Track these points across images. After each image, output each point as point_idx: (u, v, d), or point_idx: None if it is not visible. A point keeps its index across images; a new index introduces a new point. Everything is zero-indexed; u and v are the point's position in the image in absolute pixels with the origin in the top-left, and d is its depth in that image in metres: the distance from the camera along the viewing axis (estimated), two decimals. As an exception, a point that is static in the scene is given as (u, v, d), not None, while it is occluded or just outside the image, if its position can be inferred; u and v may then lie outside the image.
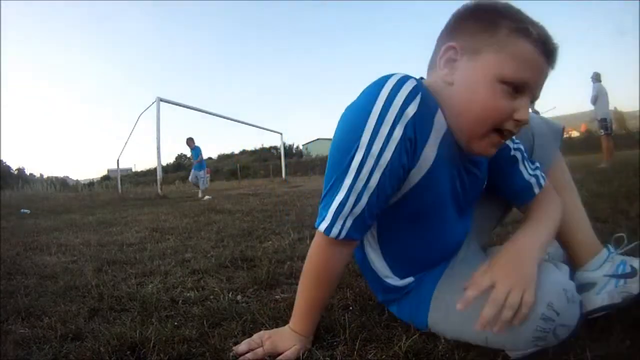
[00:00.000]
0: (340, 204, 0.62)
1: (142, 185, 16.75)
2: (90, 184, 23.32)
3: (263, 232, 2.14)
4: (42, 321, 0.91)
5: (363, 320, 0.81)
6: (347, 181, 0.61)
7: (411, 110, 0.58)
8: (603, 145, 6.62)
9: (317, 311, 0.74)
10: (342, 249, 0.68)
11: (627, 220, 1.63)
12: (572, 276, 0.77)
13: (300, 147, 42.14)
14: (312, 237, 0.72)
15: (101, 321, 0.91)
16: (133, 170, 40.76)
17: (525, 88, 0.60)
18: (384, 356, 0.67)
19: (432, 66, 0.68)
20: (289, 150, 35.62)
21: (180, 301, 1.03)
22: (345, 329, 0.75)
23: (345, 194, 0.62)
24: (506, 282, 0.59)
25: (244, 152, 45.67)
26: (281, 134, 16.00)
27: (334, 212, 0.63)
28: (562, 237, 0.82)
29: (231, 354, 0.70)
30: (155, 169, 10.67)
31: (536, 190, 0.76)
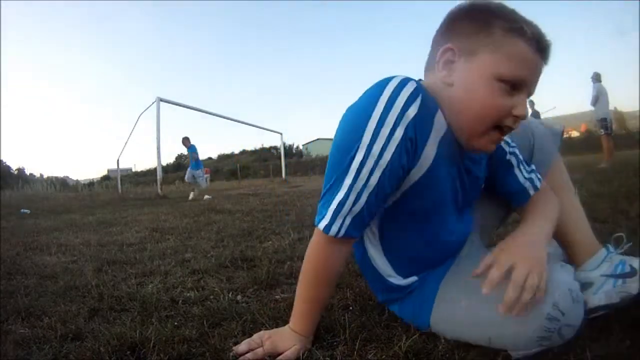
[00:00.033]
0: (340, 202, 0.63)
1: (142, 185, 16.74)
2: (90, 184, 23.32)
3: (263, 232, 2.14)
4: (42, 321, 0.91)
5: (363, 320, 0.81)
6: (347, 180, 0.62)
7: (412, 111, 0.60)
8: (603, 145, 6.63)
9: (316, 311, 0.74)
10: (340, 247, 0.69)
11: (627, 220, 1.63)
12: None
13: (300, 147, 42.14)
14: (312, 236, 0.72)
15: (101, 321, 0.91)
16: (133, 170, 40.75)
17: (522, 85, 0.62)
18: (384, 356, 0.67)
19: (429, 68, 0.69)
20: (289, 150, 35.61)
21: (180, 301, 1.03)
22: (345, 329, 0.75)
23: (345, 193, 0.63)
24: (525, 264, 0.61)
25: (244, 152, 45.66)
26: (281, 134, 16.01)
27: (334, 211, 0.64)
28: (560, 237, 0.82)
29: (231, 354, 0.70)
30: (155, 169, 10.68)
31: (531, 192, 0.79)
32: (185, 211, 3.80)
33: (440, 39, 0.67)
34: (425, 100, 0.61)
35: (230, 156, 45.50)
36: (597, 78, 6.46)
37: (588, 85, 6.57)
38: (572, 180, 0.88)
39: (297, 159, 32.39)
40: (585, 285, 0.76)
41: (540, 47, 0.61)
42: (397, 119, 0.59)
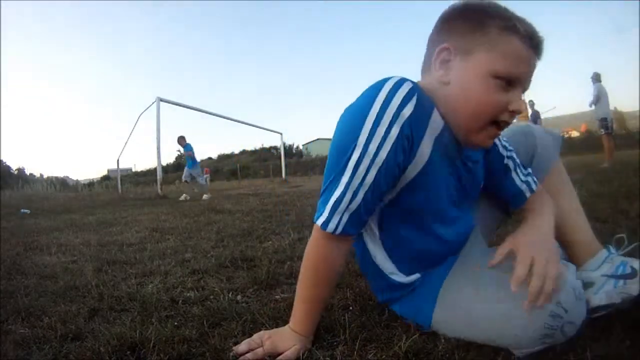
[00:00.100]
0: (337, 200, 0.65)
1: (142, 185, 16.75)
2: (90, 184, 23.33)
3: (263, 232, 2.14)
4: (42, 321, 0.91)
5: (363, 320, 0.81)
6: (345, 178, 0.64)
7: (407, 110, 0.61)
8: (604, 145, 6.63)
9: (316, 310, 0.74)
10: (339, 245, 0.70)
11: (627, 220, 1.63)
12: None
13: (300, 147, 42.14)
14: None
15: (101, 321, 0.91)
16: (133, 170, 40.76)
17: (517, 81, 0.64)
18: (384, 356, 0.67)
19: (426, 68, 0.71)
20: (289, 150, 35.61)
21: (180, 301, 1.03)
22: (345, 329, 0.75)
23: (342, 191, 0.64)
24: (542, 256, 0.62)
25: (244, 152, 45.65)
26: (281, 134, 16.00)
27: (331, 208, 0.66)
28: (561, 237, 0.82)
29: (231, 354, 0.70)
30: (155, 169, 10.68)
31: (527, 195, 0.81)
32: (185, 211, 3.80)
33: (435, 39, 0.68)
34: (421, 99, 0.63)
35: (230, 156, 45.51)
36: (597, 78, 6.46)
37: (588, 85, 6.58)
38: (573, 180, 0.89)
39: (297, 159, 32.40)
40: (586, 285, 0.76)
41: (533, 43, 0.63)
42: (392, 118, 0.61)
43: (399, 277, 0.78)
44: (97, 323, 0.90)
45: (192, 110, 10.19)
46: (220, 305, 0.95)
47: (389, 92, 0.62)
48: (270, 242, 1.83)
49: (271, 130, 15.65)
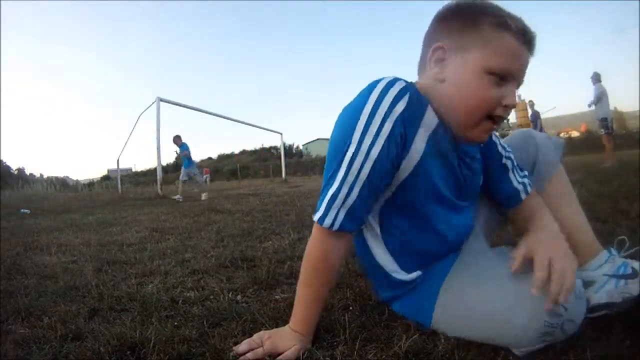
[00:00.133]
0: (332, 195, 0.67)
1: (142, 185, 16.74)
2: (90, 184, 23.31)
3: (263, 232, 2.14)
4: (42, 321, 0.91)
5: (363, 320, 0.81)
6: (340, 174, 0.66)
7: (399, 108, 0.64)
8: (606, 145, 6.62)
9: (316, 309, 0.75)
10: (337, 242, 0.71)
11: (627, 220, 1.63)
12: None
13: (300, 147, 42.11)
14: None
15: (101, 321, 0.91)
16: (133, 170, 40.71)
17: (510, 76, 0.65)
18: (384, 356, 0.67)
19: (422, 67, 0.72)
20: (289, 150, 35.58)
21: (180, 301, 1.03)
22: (345, 329, 0.75)
23: (338, 186, 0.67)
24: (559, 253, 0.63)
25: (244, 152, 45.60)
26: (281, 134, 15.99)
27: (327, 203, 0.68)
28: None
29: (231, 354, 0.70)
30: (155, 169, 10.68)
31: (523, 196, 0.82)
32: (185, 211, 3.80)
33: (430, 39, 0.70)
34: (414, 97, 0.65)
35: (230, 156, 45.45)
36: (597, 78, 6.45)
37: (588, 85, 6.57)
38: (573, 180, 0.89)
39: (297, 159, 32.40)
40: (586, 284, 0.76)
41: (525, 39, 0.64)
42: (385, 115, 0.63)
43: (401, 275, 0.78)
44: (97, 323, 0.90)
45: (192, 110, 10.19)
46: (220, 305, 0.95)
47: (381, 91, 0.64)
48: (270, 242, 1.83)
49: (271, 130, 15.65)
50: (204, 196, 6.27)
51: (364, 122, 0.64)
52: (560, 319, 0.59)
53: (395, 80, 0.65)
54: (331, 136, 0.70)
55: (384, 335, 0.75)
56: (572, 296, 0.60)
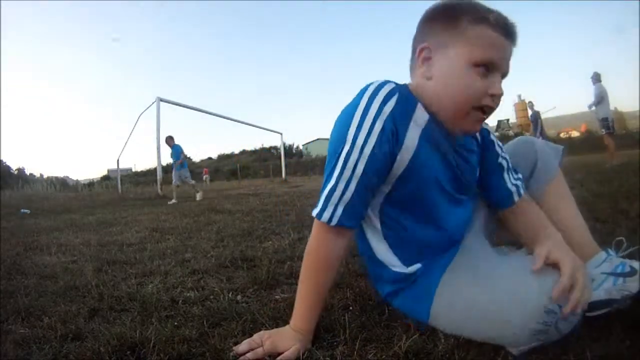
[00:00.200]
0: (330, 190, 0.70)
1: (142, 185, 16.75)
2: (90, 184, 23.34)
3: (263, 232, 2.14)
4: (42, 321, 0.91)
5: (363, 320, 0.81)
6: (337, 171, 0.70)
7: (389, 107, 0.68)
8: (608, 145, 6.61)
9: (316, 307, 0.75)
10: (337, 238, 0.73)
11: (627, 220, 1.63)
12: None
13: (300, 147, 42.10)
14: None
15: (101, 321, 0.91)
16: (133, 170, 40.70)
17: (494, 66, 0.68)
18: (384, 356, 0.67)
19: (412, 69, 0.76)
20: (289, 150, 35.58)
21: (180, 301, 1.03)
22: (345, 329, 0.75)
23: (335, 182, 0.70)
24: (583, 271, 0.64)
25: (244, 152, 45.61)
26: (281, 134, 16.01)
27: (325, 198, 0.71)
28: None
29: (231, 354, 0.70)
30: (155, 169, 10.68)
31: (516, 198, 0.84)
32: (185, 211, 3.80)
33: (417, 40, 0.74)
34: (403, 97, 0.70)
35: (230, 156, 45.47)
36: (597, 78, 6.44)
37: (588, 85, 6.56)
38: (573, 180, 0.89)
39: (297, 159, 32.40)
40: None
41: (505, 29, 0.67)
42: (375, 114, 0.68)
43: (401, 269, 0.79)
44: (97, 323, 0.90)
45: (192, 110, 10.20)
46: (220, 305, 0.95)
47: (371, 93, 0.69)
48: (270, 242, 1.83)
49: (271, 130, 15.66)
50: (198, 196, 6.18)
51: (357, 122, 0.68)
52: (554, 317, 0.60)
53: (384, 83, 0.70)
54: (330, 137, 0.73)
55: (384, 335, 0.75)
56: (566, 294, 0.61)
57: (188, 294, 1.09)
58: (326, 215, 0.71)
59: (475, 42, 0.67)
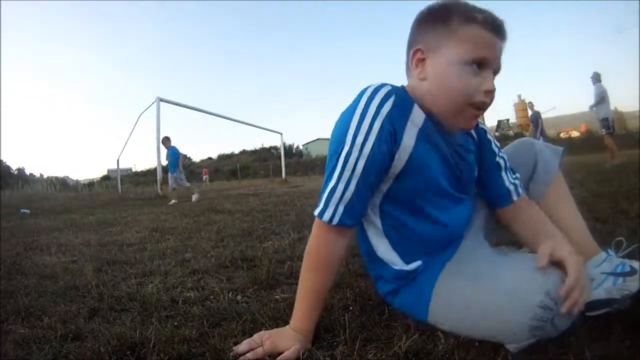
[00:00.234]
0: (331, 190, 0.72)
1: (142, 185, 16.75)
2: (90, 184, 23.34)
3: (263, 232, 2.14)
4: (42, 321, 0.91)
5: (363, 320, 0.81)
6: (337, 171, 0.71)
7: (386, 108, 0.70)
8: (608, 145, 6.60)
9: (317, 306, 0.76)
10: (337, 238, 0.74)
11: (627, 220, 1.63)
12: None
13: (300, 147, 42.08)
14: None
15: (101, 321, 0.91)
16: (133, 170, 40.68)
17: (485, 63, 0.70)
18: (384, 356, 0.67)
19: (407, 71, 0.78)
20: (289, 150, 35.56)
21: (180, 301, 1.03)
22: (345, 329, 0.75)
23: (335, 181, 0.71)
24: (585, 272, 0.65)
25: (244, 152, 45.56)
26: (281, 134, 16.01)
27: (326, 198, 0.72)
28: None
29: (231, 354, 0.70)
30: (155, 169, 10.68)
31: (514, 197, 0.85)
32: (185, 211, 3.80)
33: (411, 43, 0.76)
34: (400, 98, 0.72)
35: (230, 156, 45.43)
36: (597, 78, 6.43)
37: (588, 85, 6.55)
38: (573, 180, 0.90)
39: (297, 159, 32.40)
40: None
41: (493, 27, 0.69)
42: (373, 115, 0.69)
43: (401, 266, 0.80)
44: (97, 323, 0.90)
45: (192, 110, 10.20)
46: (220, 305, 0.95)
47: (369, 95, 0.71)
48: (270, 242, 1.83)
49: (271, 130, 15.66)
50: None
51: (356, 123, 0.70)
52: (550, 313, 0.60)
53: (381, 86, 0.73)
54: (330, 140, 0.75)
55: (384, 335, 0.75)
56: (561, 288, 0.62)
57: (188, 294, 1.09)
58: (327, 214, 0.72)
59: (466, 41, 0.69)
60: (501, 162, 0.86)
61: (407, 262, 0.80)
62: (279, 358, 0.68)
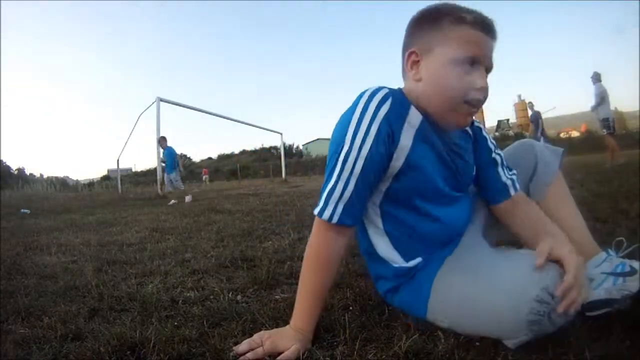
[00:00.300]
0: (330, 189, 0.74)
1: (142, 185, 16.75)
2: (90, 184, 23.35)
3: (263, 232, 2.14)
4: (42, 321, 0.91)
5: (363, 320, 0.81)
6: (336, 171, 0.73)
7: (383, 110, 0.72)
8: (608, 146, 6.59)
9: (317, 305, 0.76)
10: (337, 237, 0.75)
11: (627, 220, 1.63)
12: None
13: (300, 147, 42.06)
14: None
15: (101, 321, 0.91)
16: (133, 170, 40.66)
17: (477, 61, 0.72)
18: (384, 356, 0.67)
19: (403, 74, 0.81)
20: (289, 150, 35.54)
21: (180, 301, 1.03)
22: (345, 329, 0.75)
23: (335, 181, 0.73)
24: (583, 272, 0.66)
25: (244, 152, 45.52)
26: (281, 134, 16.02)
27: (325, 197, 0.74)
28: None
29: (231, 354, 0.70)
30: (155, 169, 10.68)
31: (511, 191, 0.86)
32: (185, 211, 3.80)
33: (405, 46, 0.78)
34: (397, 100, 0.74)
35: (230, 156, 45.38)
36: (597, 78, 6.42)
37: (588, 85, 6.54)
38: (573, 180, 0.90)
39: (297, 159, 32.39)
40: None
41: (483, 26, 0.72)
42: (371, 118, 0.72)
43: (402, 264, 0.81)
44: (97, 323, 0.90)
45: (192, 110, 10.20)
46: (220, 305, 0.95)
47: (367, 98, 0.74)
48: (270, 242, 1.83)
49: (271, 130, 15.67)
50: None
51: (354, 125, 0.72)
52: (547, 307, 0.61)
53: (379, 89, 0.75)
54: (330, 141, 0.77)
55: (384, 335, 0.75)
56: (560, 284, 0.62)
57: (188, 294, 1.09)
58: (327, 213, 0.73)
59: (457, 41, 0.71)
60: (497, 158, 0.87)
61: (407, 260, 0.81)
62: (279, 358, 0.68)
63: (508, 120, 33.24)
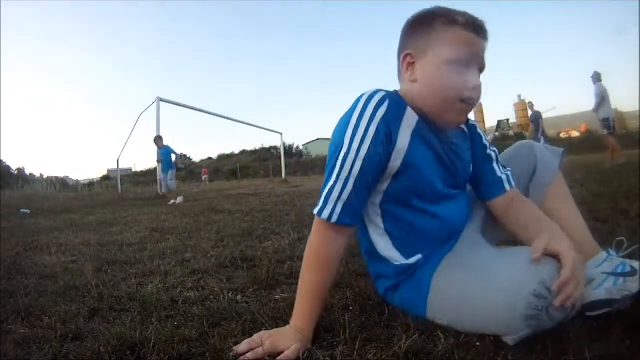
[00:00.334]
0: (329, 189, 0.75)
1: (142, 185, 16.74)
2: (90, 184, 23.34)
3: (263, 232, 2.14)
4: (42, 321, 0.91)
5: (363, 320, 0.81)
6: (335, 171, 0.75)
7: (381, 112, 0.74)
8: (609, 146, 6.58)
9: (317, 304, 0.76)
10: (336, 236, 0.77)
11: (627, 220, 1.63)
12: None
13: (300, 147, 42.05)
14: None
15: (101, 321, 0.91)
16: (133, 170, 40.64)
17: (470, 62, 0.74)
18: (384, 356, 0.67)
19: (399, 76, 0.83)
20: (289, 150, 35.52)
21: (180, 301, 1.03)
22: (345, 329, 0.75)
23: (334, 181, 0.75)
24: (581, 267, 0.67)
25: (244, 152, 45.48)
26: (281, 134, 16.00)
27: (325, 197, 0.76)
28: None
29: (231, 354, 0.70)
30: (155, 169, 10.67)
31: (507, 186, 0.87)
32: (185, 211, 3.80)
33: (401, 49, 0.81)
34: (394, 102, 0.76)
35: (230, 156, 45.35)
36: (597, 78, 6.41)
37: (588, 85, 6.54)
38: (573, 180, 0.90)
39: (297, 159, 32.38)
40: (585, 282, 0.77)
41: (474, 27, 0.74)
42: (369, 119, 0.74)
43: (402, 261, 0.82)
44: (97, 323, 0.90)
45: (192, 110, 10.19)
46: (220, 305, 0.95)
47: (365, 101, 0.75)
48: (270, 242, 1.83)
49: (271, 130, 15.65)
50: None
51: (353, 127, 0.74)
52: (544, 302, 0.61)
53: (376, 92, 0.77)
54: (330, 142, 0.79)
55: (384, 335, 0.75)
56: (557, 279, 0.62)
57: (188, 294, 1.09)
58: (326, 212, 0.75)
59: (450, 42, 0.74)
60: (492, 154, 0.89)
61: (408, 257, 0.82)
62: (279, 358, 0.68)
63: (508, 120, 33.22)
